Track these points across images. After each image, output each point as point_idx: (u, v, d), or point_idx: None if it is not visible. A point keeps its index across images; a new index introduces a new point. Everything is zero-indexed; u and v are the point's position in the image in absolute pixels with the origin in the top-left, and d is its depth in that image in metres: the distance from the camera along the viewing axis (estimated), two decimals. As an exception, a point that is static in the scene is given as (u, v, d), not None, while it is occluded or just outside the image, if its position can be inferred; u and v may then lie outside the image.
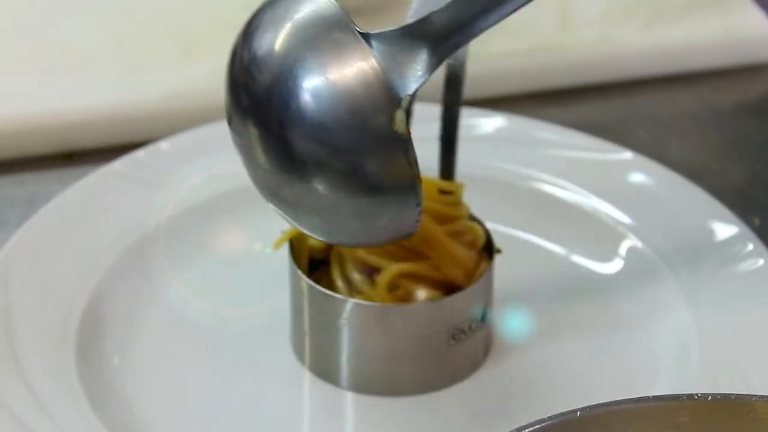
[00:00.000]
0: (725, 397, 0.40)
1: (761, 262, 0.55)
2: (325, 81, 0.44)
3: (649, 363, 0.53)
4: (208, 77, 0.67)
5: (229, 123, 0.47)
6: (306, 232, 0.48)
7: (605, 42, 0.71)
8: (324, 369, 0.52)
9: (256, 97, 0.45)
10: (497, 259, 0.52)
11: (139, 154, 0.60)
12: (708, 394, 0.40)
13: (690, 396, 0.40)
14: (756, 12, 0.73)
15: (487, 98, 0.67)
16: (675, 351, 0.53)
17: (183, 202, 0.58)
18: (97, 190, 0.58)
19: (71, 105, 0.65)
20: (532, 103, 0.69)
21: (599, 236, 0.58)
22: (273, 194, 0.47)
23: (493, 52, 0.69)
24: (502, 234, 0.56)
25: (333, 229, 0.47)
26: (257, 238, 0.58)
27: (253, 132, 0.45)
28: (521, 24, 0.74)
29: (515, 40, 0.71)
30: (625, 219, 0.58)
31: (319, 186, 0.45)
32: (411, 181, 0.44)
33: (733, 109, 0.70)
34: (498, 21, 0.45)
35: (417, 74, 0.45)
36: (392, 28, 0.45)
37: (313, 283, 0.51)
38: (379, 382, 0.52)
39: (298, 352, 0.53)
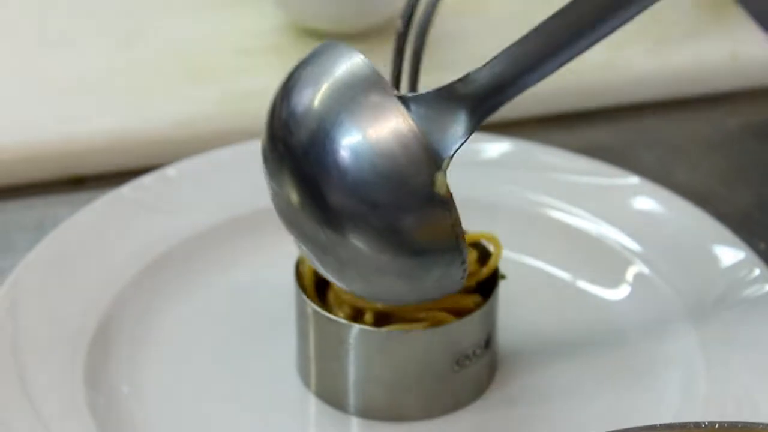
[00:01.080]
0: (732, 425, 0.40)
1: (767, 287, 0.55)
2: (364, 144, 0.44)
3: (655, 389, 0.53)
4: (216, 103, 0.67)
5: (265, 162, 0.47)
6: (344, 286, 0.48)
7: (612, 66, 0.71)
8: (329, 394, 0.52)
9: (294, 154, 0.45)
10: (502, 284, 0.52)
11: (146, 179, 0.60)
12: (715, 422, 0.40)
13: (697, 424, 0.40)
14: (762, 35, 0.73)
15: (493, 123, 0.67)
16: (682, 377, 0.53)
17: (189, 228, 0.58)
18: (105, 216, 0.58)
19: (79, 130, 0.65)
20: (538, 128, 0.69)
21: (605, 261, 0.58)
22: (314, 247, 0.47)
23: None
24: (508, 259, 0.56)
25: (375, 288, 0.47)
26: (264, 264, 0.58)
27: (288, 182, 0.46)
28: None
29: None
30: (631, 244, 0.58)
31: (360, 245, 0.45)
32: (455, 241, 0.45)
33: (739, 133, 0.70)
34: (540, 80, 0.45)
35: (456, 136, 0.45)
36: (430, 90, 0.45)
37: (318, 308, 0.51)
38: (385, 407, 0.52)
39: (304, 377, 0.53)
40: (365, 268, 0.46)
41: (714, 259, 0.57)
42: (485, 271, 0.52)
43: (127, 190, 0.59)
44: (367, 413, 0.52)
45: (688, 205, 0.59)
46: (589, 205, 0.60)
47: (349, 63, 0.45)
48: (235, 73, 0.70)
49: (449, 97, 0.45)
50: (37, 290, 0.54)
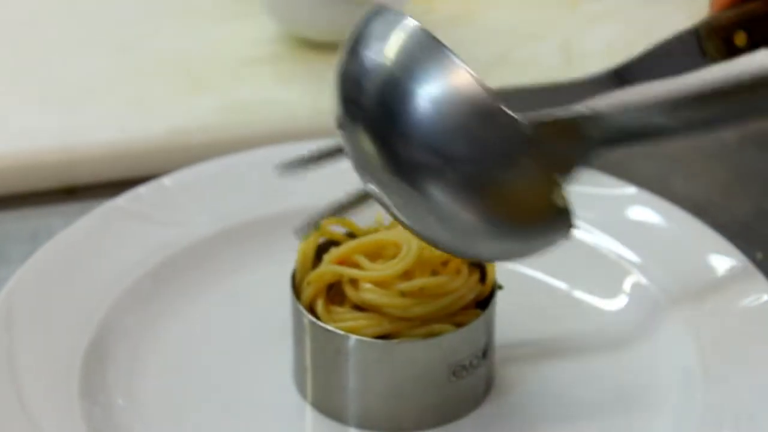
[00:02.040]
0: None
1: (765, 297, 0.55)
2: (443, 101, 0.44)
3: (652, 400, 0.53)
4: (212, 113, 0.67)
5: (340, 128, 0.46)
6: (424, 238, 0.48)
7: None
8: (326, 404, 0.52)
9: (368, 112, 0.45)
10: (499, 294, 0.52)
11: (142, 190, 0.60)
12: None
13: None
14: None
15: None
16: (679, 389, 0.52)
17: (186, 239, 0.58)
18: (101, 227, 0.58)
19: (74, 140, 0.65)
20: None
21: (603, 271, 0.58)
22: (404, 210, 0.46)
23: (496, 86, 0.69)
24: (504, 269, 0.56)
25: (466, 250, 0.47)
26: (260, 274, 0.58)
27: (367, 143, 0.45)
28: (526, 58, 0.74)
29: (519, 74, 0.71)
30: (628, 254, 0.58)
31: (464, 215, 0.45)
32: (568, 232, 0.47)
33: (737, 143, 0.70)
34: (656, 143, 0.48)
35: (576, 163, 0.46)
36: (558, 116, 0.46)
37: (314, 319, 0.51)
38: (382, 417, 0.52)
39: (301, 388, 0.53)
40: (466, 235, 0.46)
41: (711, 269, 0.57)
42: (485, 289, 0.52)
43: (122, 200, 0.59)
44: (364, 424, 0.52)
45: (685, 215, 0.59)
46: (587, 215, 0.60)
47: (417, 41, 0.44)
48: (233, 83, 0.70)
49: (577, 128, 0.46)
50: (32, 302, 0.54)
